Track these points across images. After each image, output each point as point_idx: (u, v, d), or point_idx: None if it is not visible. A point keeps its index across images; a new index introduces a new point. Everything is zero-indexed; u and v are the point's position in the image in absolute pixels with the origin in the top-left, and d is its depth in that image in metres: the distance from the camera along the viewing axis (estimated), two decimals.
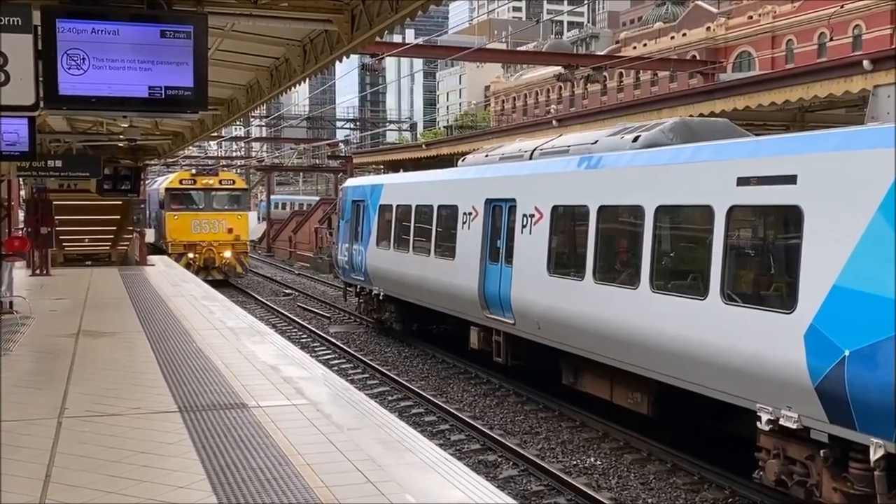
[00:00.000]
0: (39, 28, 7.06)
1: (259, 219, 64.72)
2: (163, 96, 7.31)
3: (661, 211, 11.14)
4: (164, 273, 24.96)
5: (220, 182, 35.44)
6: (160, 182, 41.01)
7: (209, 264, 33.60)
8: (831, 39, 54.84)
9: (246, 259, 35.40)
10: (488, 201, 15.92)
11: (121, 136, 21.82)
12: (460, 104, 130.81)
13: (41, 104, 7.28)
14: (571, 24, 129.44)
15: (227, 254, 33.90)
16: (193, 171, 36.85)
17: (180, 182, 35.48)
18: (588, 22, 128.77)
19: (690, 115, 15.98)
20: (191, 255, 33.37)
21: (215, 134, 39.58)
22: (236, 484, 6.34)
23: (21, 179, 25.43)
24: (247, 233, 35.79)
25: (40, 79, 7.13)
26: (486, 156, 17.61)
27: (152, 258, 29.71)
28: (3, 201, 20.27)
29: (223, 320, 15.10)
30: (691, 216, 11.08)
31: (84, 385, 9.76)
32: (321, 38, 11.50)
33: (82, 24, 7.12)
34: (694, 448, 11.85)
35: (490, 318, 15.68)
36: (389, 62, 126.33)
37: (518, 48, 72.36)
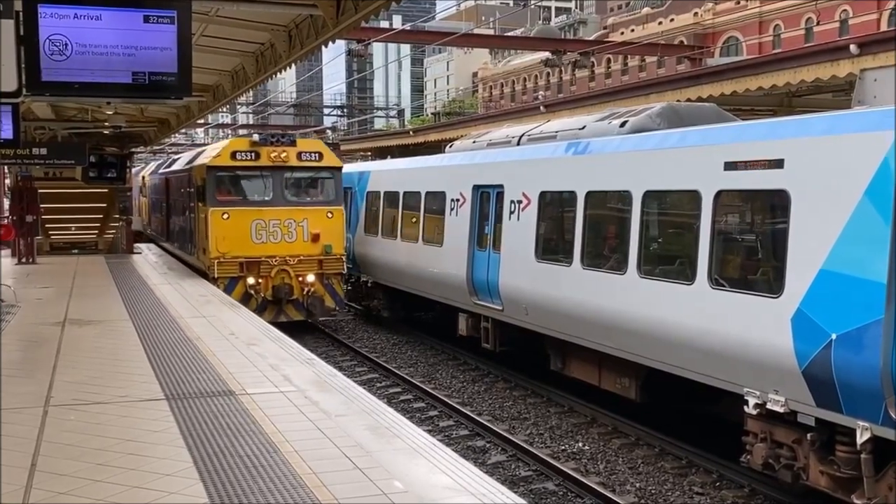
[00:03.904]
0: (21, 13, 6.98)
1: None
2: (146, 82, 7.23)
3: (649, 196, 11.14)
4: (150, 261, 24.83)
5: (298, 156, 20.43)
6: (188, 158, 25.70)
7: (283, 296, 19.88)
8: (818, 24, 54.93)
9: (340, 286, 20.81)
10: (476, 187, 15.89)
11: (106, 124, 21.76)
12: (448, 91, 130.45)
13: (24, 90, 7.21)
14: (559, 10, 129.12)
15: (312, 277, 20.11)
16: (255, 138, 21.47)
17: (233, 156, 20.12)
18: (576, 7, 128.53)
19: (678, 101, 15.97)
20: (251, 281, 19.65)
21: (201, 121, 39.40)
22: (224, 471, 6.31)
23: (5, 168, 25.28)
24: (342, 242, 20.74)
25: (22, 65, 7.05)
26: (474, 142, 17.57)
27: (139, 245, 29.54)
28: None
29: (210, 308, 15.04)
30: (679, 201, 11.08)
31: (70, 373, 9.71)
32: (306, 23, 11.45)
33: (64, 9, 7.03)
34: (682, 432, 11.90)
35: (478, 304, 15.67)
36: (376, 48, 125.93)
37: (506, 34, 72.10)
